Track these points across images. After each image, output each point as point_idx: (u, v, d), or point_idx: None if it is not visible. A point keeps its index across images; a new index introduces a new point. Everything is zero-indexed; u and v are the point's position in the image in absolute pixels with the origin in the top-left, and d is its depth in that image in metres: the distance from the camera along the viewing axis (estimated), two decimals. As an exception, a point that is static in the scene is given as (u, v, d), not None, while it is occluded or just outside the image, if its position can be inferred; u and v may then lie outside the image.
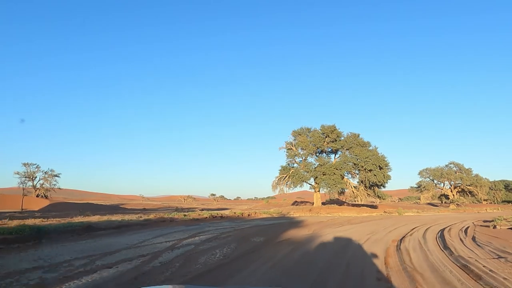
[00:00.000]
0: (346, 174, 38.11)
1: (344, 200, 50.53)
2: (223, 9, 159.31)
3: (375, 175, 34.73)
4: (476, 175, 51.28)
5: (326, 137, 37.46)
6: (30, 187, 53.03)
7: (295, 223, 19.59)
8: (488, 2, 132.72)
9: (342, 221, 21.17)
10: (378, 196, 38.34)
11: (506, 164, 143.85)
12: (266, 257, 7.57)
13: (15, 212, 29.49)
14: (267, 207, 45.76)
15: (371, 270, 6.35)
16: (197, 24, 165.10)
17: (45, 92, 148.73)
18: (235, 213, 28.36)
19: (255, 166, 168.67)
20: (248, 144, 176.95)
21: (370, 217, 27.72)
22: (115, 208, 40.87)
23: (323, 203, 41.17)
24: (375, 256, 7.92)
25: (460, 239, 11.19)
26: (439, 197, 59.46)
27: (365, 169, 35.33)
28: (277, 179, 38.16)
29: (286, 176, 37.56)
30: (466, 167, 52.24)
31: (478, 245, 9.58)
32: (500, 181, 66.99)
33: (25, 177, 50.85)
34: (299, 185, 37.55)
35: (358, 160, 35.69)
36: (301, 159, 38.82)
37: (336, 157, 39.61)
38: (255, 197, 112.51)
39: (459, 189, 52.63)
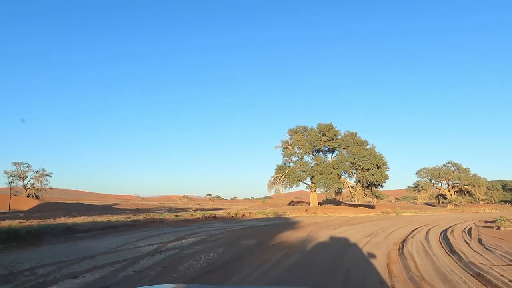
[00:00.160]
0: (343, 174, 37.39)
1: (341, 200, 49.86)
2: (223, 9, 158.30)
3: (372, 175, 34.01)
4: (474, 175, 50.85)
5: (322, 135, 36.70)
6: (20, 186, 51.95)
7: (290, 224, 18.81)
8: (488, 2, 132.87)
9: (339, 222, 20.42)
10: (376, 196, 37.65)
11: (504, 164, 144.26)
12: (255, 265, 6.76)
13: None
14: (263, 207, 44.96)
15: (373, 281, 5.56)
16: (197, 24, 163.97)
17: (44, 92, 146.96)
18: (229, 213, 27.51)
19: (253, 166, 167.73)
20: (247, 144, 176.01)
21: (368, 217, 27.01)
22: (106, 208, 39.89)
23: (319, 203, 40.43)
24: (376, 262, 7.15)
25: (466, 242, 10.45)
26: (436, 197, 59.01)
27: (362, 169, 34.61)
28: (272, 178, 37.34)
29: (282, 176, 36.76)
30: (464, 167, 51.83)
31: (487, 249, 8.84)
32: (498, 181, 66.72)
33: (15, 177, 49.69)
34: (295, 185, 36.80)
35: (356, 159, 34.97)
36: (297, 158, 38.05)
37: (333, 156, 38.91)
38: (252, 197, 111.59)
39: (457, 189, 52.16)
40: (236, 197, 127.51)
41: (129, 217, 20.53)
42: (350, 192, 37.43)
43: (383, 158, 35.02)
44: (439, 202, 58.59)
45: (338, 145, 37.05)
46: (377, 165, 34.17)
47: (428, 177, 54.67)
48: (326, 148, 38.50)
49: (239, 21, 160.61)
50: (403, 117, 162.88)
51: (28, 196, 50.15)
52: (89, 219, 18.13)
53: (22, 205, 39.39)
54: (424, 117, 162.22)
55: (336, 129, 36.84)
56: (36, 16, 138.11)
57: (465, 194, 51.69)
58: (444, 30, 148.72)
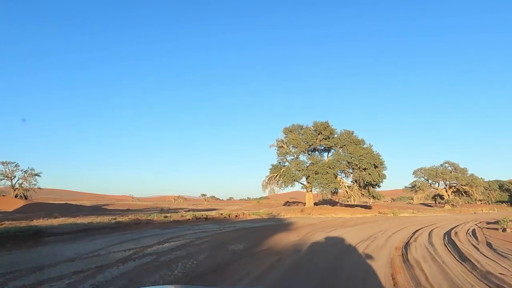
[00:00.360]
0: (339, 173, 36.47)
1: (337, 200, 48.97)
2: (223, 9, 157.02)
3: (369, 174, 33.11)
4: (472, 175, 50.21)
5: (318, 134, 35.74)
6: (9, 186, 50.51)
7: (284, 226, 17.83)
8: (488, 2, 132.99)
9: (335, 223, 19.47)
10: (373, 196, 36.74)
11: (500, 164, 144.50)
12: (236, 277, 5.75)
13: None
14: (258, 207, 43.93)
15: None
16: (197, 24, 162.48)
17: (43, 92, 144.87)
18: (221, 214, 26.47)
19: (251, 167, 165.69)
20: (246, 144, 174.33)
21: (365, 218, 26.13)
22: (95, 209, 38.64)
23: (315, 204, 39.48)
24: (379, 271, 6.18)
25: (474, 246, 9.53)
26: (433, 197, 58.35)
27: (359, 168, 33.71)
28: (267, 178, 36.30)
29: (277, 175, 35.74)
30: (461, 167, 51.19)
31: (501, 255, 7.92)
32: (494, 181, 66.27)
33: (3, 176, 48.30)
34: (290, 185, 35.74)
35: (352, 158, 34.05)
36: (292, 157, 37.07)
37: (329, 155, 37.98)
38: (248, 198, 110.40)
39: (454, 189, 51.51)
40: (233, 198, 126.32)
41: (114, 219, 19.41)
42: (347, 192, 36.52)
43: (380, 157, 34.17)
44: (435, 203, 57.92)
45: (335, 144, 36.13)
46: (374, 165, 33.29)
47: (425, 177, 53.96)
48: (322, 147, 37.55)
49: (239, 21, 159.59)
50: (403, 117, 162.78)
51: (16, 196, 48.69)
52: (70, 220, 16.99)
53: (9, 205, 37.96)
54: (424, 117, 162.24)
55: (332, 127, 35.91)
56: (35, 16, 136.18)
57: (462, 194, 51.02)
58: (444, 30, 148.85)
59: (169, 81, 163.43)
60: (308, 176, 34.97)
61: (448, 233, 13.54)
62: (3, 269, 6.25)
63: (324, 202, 45.54)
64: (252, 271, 6.27)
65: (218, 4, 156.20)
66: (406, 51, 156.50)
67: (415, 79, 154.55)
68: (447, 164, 52.43)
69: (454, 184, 51.45)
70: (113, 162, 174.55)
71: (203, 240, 11.29)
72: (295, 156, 36.75)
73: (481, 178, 51.34)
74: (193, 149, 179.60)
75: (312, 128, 36.62)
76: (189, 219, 21.98)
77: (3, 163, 48.84)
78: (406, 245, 9.83)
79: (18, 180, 50.03)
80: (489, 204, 59.49)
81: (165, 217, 22.06)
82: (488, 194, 62.42)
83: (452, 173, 51.32)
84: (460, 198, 50.83)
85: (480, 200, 58.76)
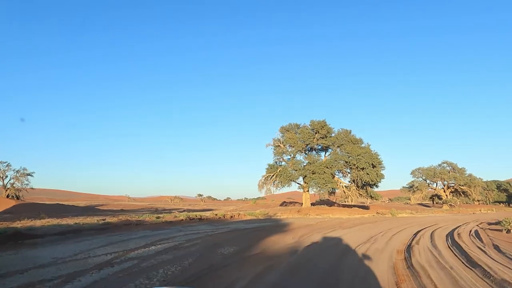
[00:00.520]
0: (337, 173, 35.84)
1: (334, 200, 48.38)
2: (223, 9, 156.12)
3: (367, 174, 32.50)
4: (470, 175, 49.75)
5: (316, 133, 35.10)
6: (0, 186, 49.47)
7: (279, 227, 17.18)
8: (488, 2, 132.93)
9: (333, 224, 18.84)
10: (371, 196, 36.13)
11: (498, 164, 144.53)
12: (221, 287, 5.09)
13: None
14: (254, 208, 43.24)
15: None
16: (197, 24, 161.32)
17: (42, 92, 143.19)
18: (216, 214, 25.77)
19: (249, 167, 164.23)
20: (246, 144, 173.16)
21: (363, 219, 25.53)
22: (88, 210, 37.80)
23: (312, 204, 38.85)
24: (381, 279, 5.54)
25: (481, 249, 8.92)
26: (430, 198, 57.93)
27: (357, 168, 33.09)
28: (263, 178, 35.57)
29: (273, 175, 35.05)
30: (460, 167, 50.75)
31: (511, 259, 7.31)
32: (492, 181, 65.97)
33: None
34: (287, 185, 35.06)
35: (350, 157, 33.43)
36: (289, 157, 36.40)
37: (326, 155, 37.33)
38: (245, 198, 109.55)
39: (452, 189, 51.05)
40: (230, 198, 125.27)
41: (103, 219, 18.68)
42: (344, 193, 35.90)
43: (379, 157, 33.57)
44: (433, 203, 57.50)
45: (332, 143, 35.52)
46: (372, 164, 32.69)
47: (423, 177, 53.47)
48: (319, 147, 36.92)
49: (239, 21, 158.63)
50: (403, 117, 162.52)
51: (8, 196, 47.67)
52: (55, 221, 16.23)
53: (1, 205, 37.08)
54: (423, 117, 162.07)
55: (329, 126, 35.28)
56: (34, 15, 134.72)
57: (460, 194, 50.58)
58: (444, 30, 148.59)
59: (168, 81, 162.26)
60: (305, 176, 34.33)
61: (450, 235, 12.95)
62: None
63: (321, 202, 44.93)
64: (239, 279, 5.60)
65: (218, 3, 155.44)
66: (406, 51, 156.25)
67: (415, 79, 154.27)
68: (445, 164, 51.99)
69: (452, 184, 51.00)
70: (111, 162, 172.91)
71: (193, 243, 10.63)
72: (292, 155, 36.12)
73: (480, 178, 50.95)
74: (191, 149, 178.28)
75: (309, 127, 36.00)
76: (182, 220, 21.29)
77: (-6, 162, 47.83)
78: (409, 248, 9.20)
79: (10, 180, 49.08)
80: (487, 204, 59.16)
81: (158, 217, 21.35)
82: (486, 194, 62.10)
83: (450, 173, 50.87)
84: (458, 198, 50.39)
85: (478, 201, 58.42)
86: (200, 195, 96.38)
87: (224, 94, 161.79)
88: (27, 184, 49.88)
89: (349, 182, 36.02)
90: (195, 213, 26.83)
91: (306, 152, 36.85)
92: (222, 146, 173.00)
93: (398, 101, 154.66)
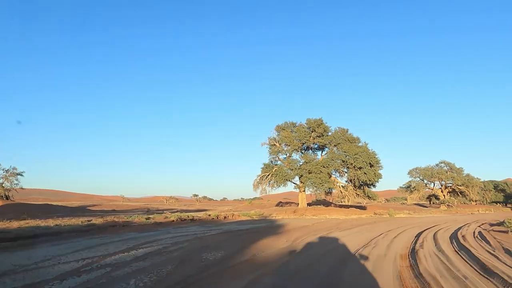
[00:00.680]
0: (333, 173, 35.06)
1: (331, 200, 47.64)
2: (223, 9, 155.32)
3: (365, 173, 31.75)
4: (468, 175, 49.27)
5: (312, 131, 34.31)
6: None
7: (274, 228, 16.33)
8: (488, 2, 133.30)
9: (330, 225, 18.04)
10: (368, 197, 35.37)
11: (496, 164, 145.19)
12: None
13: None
14: (249, 208, 42.35)
15: None
16: (196, 23, 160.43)
17: (41, 92, 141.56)
18: (209, 215, 24.89)
19: (246, 167, 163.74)
20: (242, 144, 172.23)
21: (361, 219, 24.77)
22: (78, 210, 36.74)
23: (309, 204, 38.05)
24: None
25: (492, 254, 8.14)
26: (427, 198, 57.43)
27: (354, 167, 32.35)
28: (259, 178, 34.71)
29: (268, 175, 34.19)
30: (457, 167, 50.24)
31: (530, 266, 6.52)
32: (489, 181, 65.67)
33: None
34: (282, 185, 34.17)
35: (347, 157, 32.67)
36: (285, 156, 35.57)
37: (323, 154, 36.54)
38: (241, 198, 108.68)
39: (450, 189, 50.54)
40: (226, 198, 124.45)
41: (89, 221, 17.75)
42: (341, 192, 35.14)
43: (376, 156, 32.84)
44: (430, 203, 57.01)
45: (329, 142, 34.75)
46: (370, 163, 31.96)
47: (421, 177, 52.94)
48: (316, 146, 36.13)
49: (239, 21, 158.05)
50: (403, 117, 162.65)
51: (-3, 196, 46.46)
52: (35, 223, 15.29)
53: (-12, 206, 35.88)
54: (423, 117, 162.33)
55: (326, 124, 34.49)
56: (34, 15, 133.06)
57: (458, 194, 50.09)
58: (444, 30, 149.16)
59: (168, 81, 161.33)
60: (301, 176, 33.52)
61: (454, 237, 12.19)
62: None
63: (317, 202, 44.18)
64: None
65: (218, 3, 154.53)
66: (406, 51, 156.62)
67: (415, 79, 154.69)
68: (442, 164, 51.51)
69: (450, 184, 50.50)
70: (110, 162, 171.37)
71: (179, 246, 9.77)
72: (288, 154, 35.30)
73: (477, 178, 50.48)
74: (191, 149, 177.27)
75: (305, 125, 35.22)
76: (173, 220, 20.43)
77: (-17, 162, 46.53)
78: (413, 253, 8.41)
79: (-1, 180, 47.82)
80: (484, 204, 58.78)
81: (147, 218, 20.46)
82: (484, 194, 61.75)
83: (448, 173, 50.37)
84: (455, 199, 49.90)
85: (475, 201, 58.01)
86: (195, 195, 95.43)
87: (224, 94, 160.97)
88: (16, 184, 48.57)
89: (346, 181, 35.28)
90: (187, 213, 25.91)
91: (302, 151, 36.06)
92: (221, 146, 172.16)
93: (398, 101, 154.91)
